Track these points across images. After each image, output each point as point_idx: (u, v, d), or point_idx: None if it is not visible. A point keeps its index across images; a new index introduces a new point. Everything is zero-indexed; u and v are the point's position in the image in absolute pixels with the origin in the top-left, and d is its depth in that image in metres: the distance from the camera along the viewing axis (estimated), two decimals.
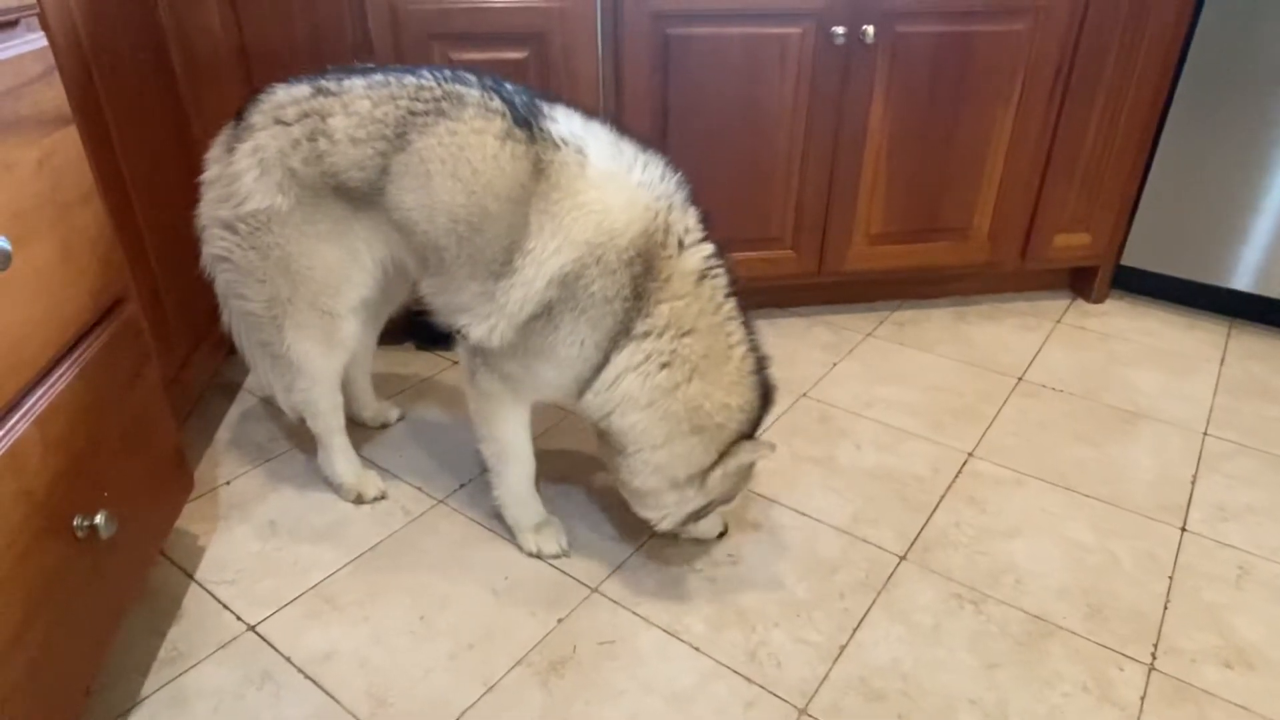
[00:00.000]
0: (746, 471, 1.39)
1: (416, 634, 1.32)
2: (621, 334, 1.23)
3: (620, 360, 1.24)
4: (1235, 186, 2.15)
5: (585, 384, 1.29)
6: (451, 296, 1.31)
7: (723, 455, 1.29)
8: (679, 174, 1.28)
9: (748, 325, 1.30)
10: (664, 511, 1.36)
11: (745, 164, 2.05)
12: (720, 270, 1.27)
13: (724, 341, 1.27)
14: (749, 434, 1.33)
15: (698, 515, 1.38)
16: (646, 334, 1.23)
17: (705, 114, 1.97)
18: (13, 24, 1.00)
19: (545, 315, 1.23)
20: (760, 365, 1.31)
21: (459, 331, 1.33)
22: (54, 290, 1.00)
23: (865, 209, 2.16)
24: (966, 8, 1.95)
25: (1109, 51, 2.05)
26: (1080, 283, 2.48)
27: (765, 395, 1.33)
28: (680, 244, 1.24)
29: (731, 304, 1.28)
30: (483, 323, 1.27)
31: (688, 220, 1.25)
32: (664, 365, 1.24)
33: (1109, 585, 1.44)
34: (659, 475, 1.31)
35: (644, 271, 1.21)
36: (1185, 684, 1.26)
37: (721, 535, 1.51)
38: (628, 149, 1.26)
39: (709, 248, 1.26)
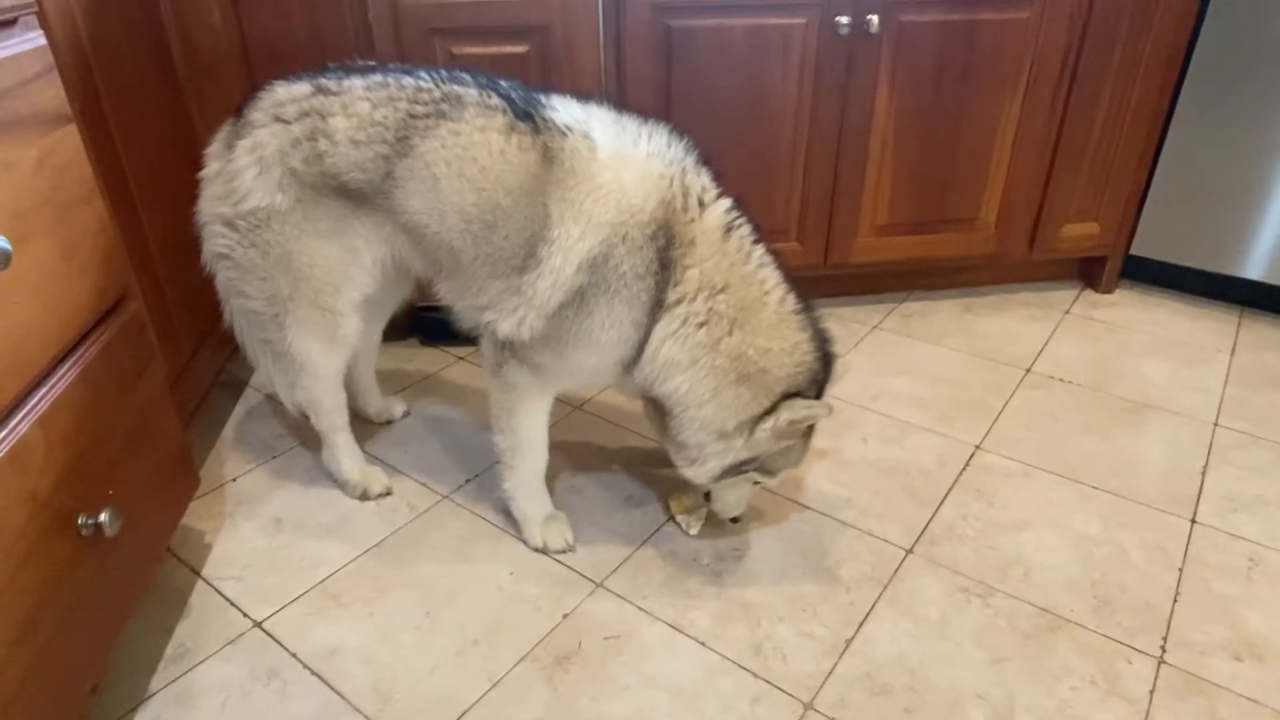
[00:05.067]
0: (798, 434, 1.33)
1: (422, 629, 1.33)
2: (657, 306, 1.24)
3: (659, 330, 1.25)
4: (1245, 174, 2.12)
5: (630, 364, 1.30)
6: (473, 298, 1.31)
7: (773, 407, 1.27)
8: (685, 138, 1.28)
9: (782, 269, 1.30)
10: (707, 463, 1.33)
11: (750, 156, 2.03)
12: (743, 220, 1.27)
13: (758, 289, 1.27)
14: (811, 388, 1.30)
15: (738, 470, 1.34)
16: (679, 300, 1.24)
17: (709, 106, 1.95)
18: (11, 23, 1.00)
19: (577, 302, 1.23)
20: (805, 306, 1.31)
21: (485, 326, 1.32)
22: (56, 289, 1.00)
23: (871, 200, 2.15)
24: None
25: (1116, 39, 2.03)
26: (1089, 273, 2.46)
27: (821, 340, 1.31)
28: (701, 203, 1.24)
29: (760, 250, 1.28)
30: (509, 317, 1.28)
31: (703, 180, 1.26)
32: (701, 325, 1.25)
33: (1118, 578, 1.43)
34: (707, 429, 1.30)
35: (668, 243, 1.22)
36: (1195, 677, 1.25)
37: (735, 521, 1.49)
38: (630, 124, 1.27)
39: (728, 201, 1.27)
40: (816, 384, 1.31)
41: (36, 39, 1.02)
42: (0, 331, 0.89)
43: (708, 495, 1.49)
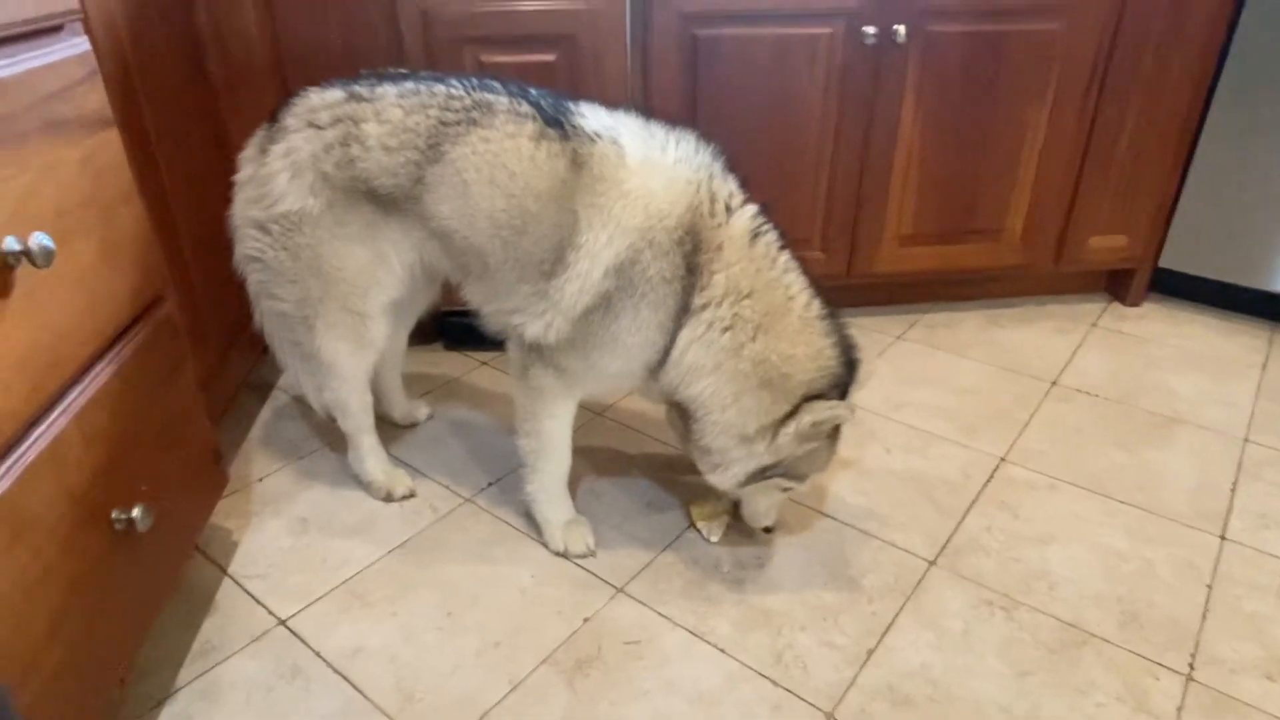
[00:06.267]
0: (823, 436, 1.32)
1: (444, 630, 1.33)
2: (682, 311, 1.25)
3: (684, 335, 1.26)
4: (1277, 187, 2.09)
5: (655, 369, 1.30)
6: (501, 302, 1.33)
7: (795, 410, 1.27)
8: (712, 145, 1.29)
9: (807, 275, 1.30)
10: (731, 469, 1.33)
11: (774, 165, 2.04)
12: (769, 226, 1.28)
13: (783, 294, 1.27)
14: (833, 393, 1.29)
15: (763, 475, 1.33)
16: (705, 305, 1.25)
17: (734, 115, 1.96)
18: (57, 29, 1.03)
19: (604, 306, 1.24)
20: (830, 312, 1.31)
21: (512, 329, 1.34)
22: (94, 288, 1.03)
23: (896, 210, 2.14)
24: (999, 6, 1.93)
25: (1146, 49, 2.01)
26: (1117, 285, 2.43)
27: (845, 346, 1.31)
28: (728, 209, 1.25)
29: (786, 256, 1.29)
30: (537, 320, 1.29)
31: (730, 185, 1.27)
32: (726, 329, 1.25)
33: (1145, 593, 1.41)
34: (729, 433, 1.31)
35: (694, 248, 1.23)
36: (1224, 695, 1.23)
37: (769, 531, 1.49)
38: (658, 131, 1.29)
39: (754, 207, 1.28)
40: (839, 388, 1.31)
41: (81, 44, 1.05)
42: (40, 328, 0.92)
43: (737, 505, 1.49)
